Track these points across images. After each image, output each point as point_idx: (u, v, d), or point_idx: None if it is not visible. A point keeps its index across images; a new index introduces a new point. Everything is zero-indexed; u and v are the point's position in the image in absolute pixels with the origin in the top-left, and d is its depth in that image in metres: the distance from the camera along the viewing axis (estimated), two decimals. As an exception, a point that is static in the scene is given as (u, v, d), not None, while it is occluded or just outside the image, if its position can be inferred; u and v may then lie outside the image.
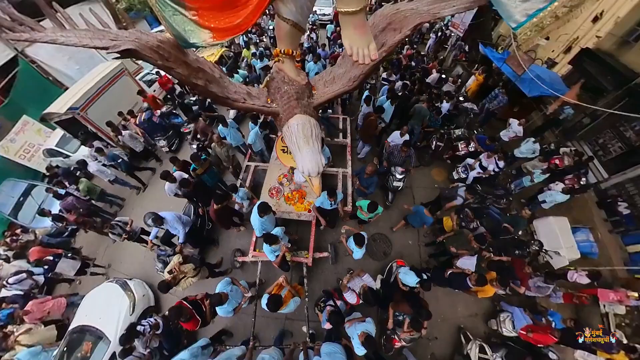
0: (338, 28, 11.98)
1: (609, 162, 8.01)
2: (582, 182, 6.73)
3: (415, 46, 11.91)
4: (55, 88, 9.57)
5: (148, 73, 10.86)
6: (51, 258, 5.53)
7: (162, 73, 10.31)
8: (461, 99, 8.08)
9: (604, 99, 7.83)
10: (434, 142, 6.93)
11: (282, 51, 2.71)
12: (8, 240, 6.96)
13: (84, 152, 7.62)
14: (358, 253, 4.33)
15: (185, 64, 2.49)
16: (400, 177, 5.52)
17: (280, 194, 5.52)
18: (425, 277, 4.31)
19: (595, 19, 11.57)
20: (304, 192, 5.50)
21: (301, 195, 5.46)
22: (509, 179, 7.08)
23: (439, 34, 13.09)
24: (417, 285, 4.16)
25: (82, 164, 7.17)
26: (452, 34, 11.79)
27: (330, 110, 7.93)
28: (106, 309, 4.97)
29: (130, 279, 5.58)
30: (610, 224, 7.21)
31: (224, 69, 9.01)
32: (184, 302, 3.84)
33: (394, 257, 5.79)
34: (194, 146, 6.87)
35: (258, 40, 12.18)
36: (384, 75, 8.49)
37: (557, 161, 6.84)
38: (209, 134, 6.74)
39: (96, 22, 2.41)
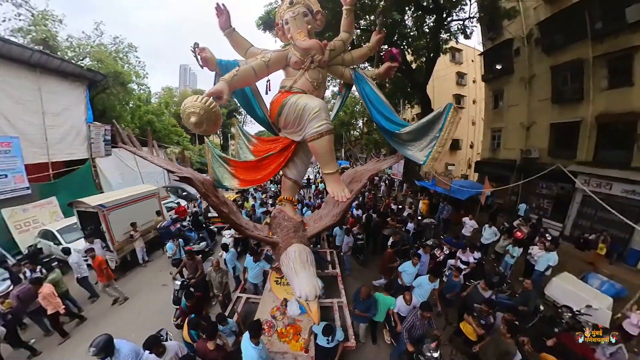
0: (317, 188, 15.90)
1: (553, 215, 9.38)
2: (549, 238, 7.43)
3: (373, 191, 15.50)
4: (94, 189, 10.94)
5: (171, 201, 12.52)
6: None
7: (182, 203, 12.22)
8: (419, 218, 9.75)
9: (511, 180, 10.19)
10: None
11: (285, 198, 3.93)
12: None
13: (78, 246, 7.03)
14: None
15: (216, 196, 3.57)
16: (437, 354, 4.10)
17: (273, 329, 4.64)
18: None
19: (472, 146, 16.90)
20: (299, 327, 4.63)
21: (296, 332, 4.57)
22: (494, 264, 7.48)
23: (387, 182, 17.52)
24: None
25: (67, 251, 6.49)
26: (396, 180, 15.98)
27: (319, 245, 8.49)
28: None
29: None
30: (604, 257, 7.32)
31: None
32: None
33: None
34: (177, 283, 5.68)
35: (262, 195, 14.29)
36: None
37: (518, 234, 7.77)
38: (199, 270, 6.02)
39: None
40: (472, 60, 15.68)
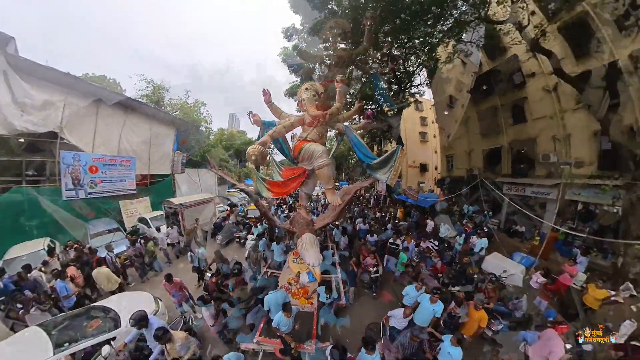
0: (324, 204, 17.53)
1: (492, 215, 11.70)
2: (485, 230, 9.75)
3: (364, 204, 17.95)
4: (171, 194, 14.31)
5: (221, 206, 15.77)
6: None
7: (227, 209, 15.08)
8: (396, 221, 12.06)
9: (462, 191, 12.69)
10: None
11: (301, 204, 5.70)
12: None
13: (162, 230, 9.84)
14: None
15: (259, 202, 5.12)
16: None
17: (289, 291, 5.79)
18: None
19: (436, 168, 19.75)
20: (307, 290, 5.86)
21: (305, 293, 5.80)
22: (447, 249, 9.48)
23: (375, 197, 19.82)
24: None
25: (158, 229, 9.99)
26: (381, 196, 18.38)
27: (322, 237, 9.49)
28: (132, 303, 5.07)
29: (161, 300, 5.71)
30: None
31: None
32: None
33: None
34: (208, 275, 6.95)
35: (282, 205, 16.37)
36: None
37: (466, 228, 10.09)
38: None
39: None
40: (430, 108, 19.22)
